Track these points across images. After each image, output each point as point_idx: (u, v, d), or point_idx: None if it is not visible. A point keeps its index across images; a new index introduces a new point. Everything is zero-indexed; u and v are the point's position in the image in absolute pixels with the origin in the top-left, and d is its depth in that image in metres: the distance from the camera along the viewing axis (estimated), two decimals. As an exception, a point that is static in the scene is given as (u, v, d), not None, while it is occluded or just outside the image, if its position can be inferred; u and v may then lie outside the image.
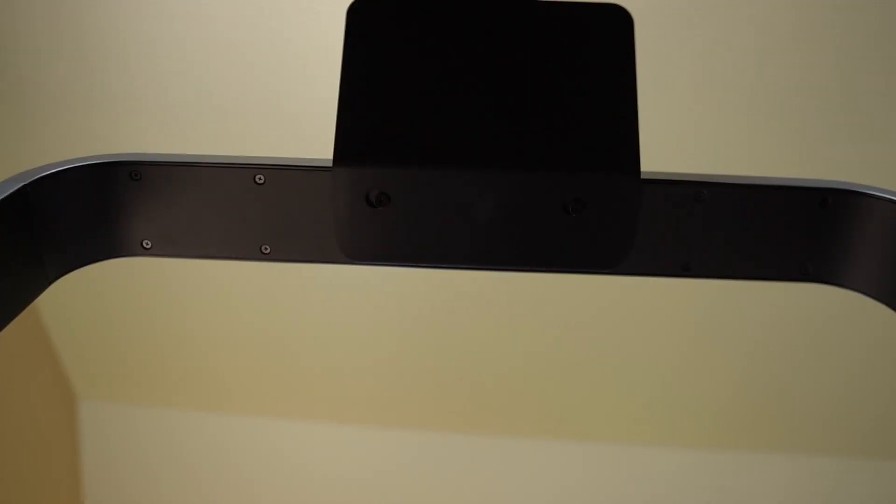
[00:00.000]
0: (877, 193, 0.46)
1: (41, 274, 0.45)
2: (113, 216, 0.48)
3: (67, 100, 1.66)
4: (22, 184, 0.42)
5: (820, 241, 0.48)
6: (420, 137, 0.44)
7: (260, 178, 0.47)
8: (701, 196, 0.46)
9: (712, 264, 0.50)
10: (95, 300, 1.97)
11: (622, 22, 0.46)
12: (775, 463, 2.04)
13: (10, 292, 0.42)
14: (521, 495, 2.14)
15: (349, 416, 2.10)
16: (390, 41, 0.46)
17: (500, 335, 1.91)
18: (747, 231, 0.48)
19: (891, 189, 0.48)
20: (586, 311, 1.85)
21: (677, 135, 1.54)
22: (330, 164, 0.45)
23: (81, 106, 1.66)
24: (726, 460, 2.05)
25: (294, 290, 1.89)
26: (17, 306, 0.43)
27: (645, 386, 1.96)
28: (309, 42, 1.53)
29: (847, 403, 1.91)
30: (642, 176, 0.44)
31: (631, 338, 1.88)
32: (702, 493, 2.08)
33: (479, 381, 2.00)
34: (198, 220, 0.49)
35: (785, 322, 1.81)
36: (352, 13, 0.48)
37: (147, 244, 0.49)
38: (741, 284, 1.74)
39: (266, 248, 0.50)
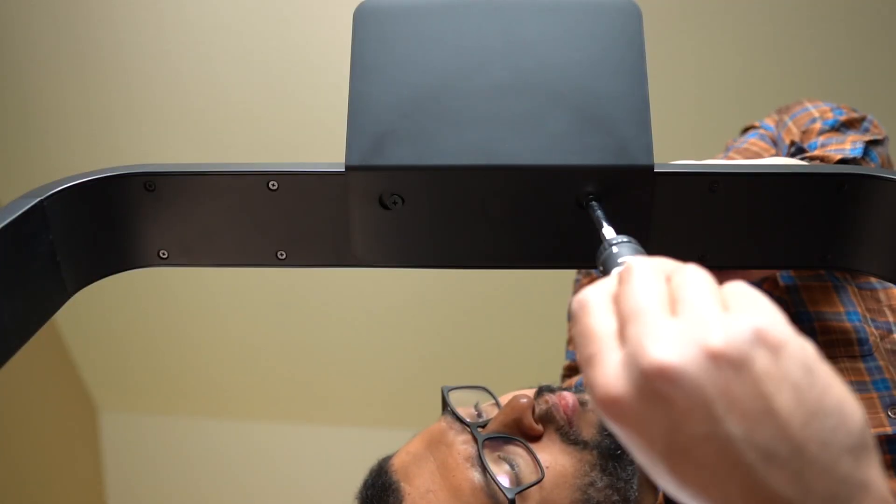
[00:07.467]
0: (893, 177, 0.45)
1: (60, 288, 0.45)
2: (129, 227, 0.48)
3: (76, 110, 1.67)
4: (38, 199, 0.42)
5: (837, 226, 0.48)
6: (430, 137, 0.44)
7: (273, 185, 0.47)
8: (715, 186, 0.46)
9: (729, 254, 0.50)
10: (111, 314, 1.99)
11: (631, 14, 0.46)
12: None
13: (31, 307, 0.42)
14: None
15: (367, 419, 2.10)
16: (398, 42, 0.46)
17: (521, 333, 1.91)
18: (763, 219, 0.48)
19: (907, 171, 0.47)
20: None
21: (684, 124, 1.54)
22: (342, 168, 0.45)
23: (91, 115, 1.67)
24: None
25: (308, 298, 1.89)
26: (38, 321, 0.43)
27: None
28: (315, 47, 1.54)
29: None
30: (655, 168, 0.44)
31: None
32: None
33: (504, 379, 2.00)
34: (213, 229, 0.49)
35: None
36: (358, 15, 0.48)
37: (163, 254, 0.49)
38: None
39: (281, 254, 0.50)
